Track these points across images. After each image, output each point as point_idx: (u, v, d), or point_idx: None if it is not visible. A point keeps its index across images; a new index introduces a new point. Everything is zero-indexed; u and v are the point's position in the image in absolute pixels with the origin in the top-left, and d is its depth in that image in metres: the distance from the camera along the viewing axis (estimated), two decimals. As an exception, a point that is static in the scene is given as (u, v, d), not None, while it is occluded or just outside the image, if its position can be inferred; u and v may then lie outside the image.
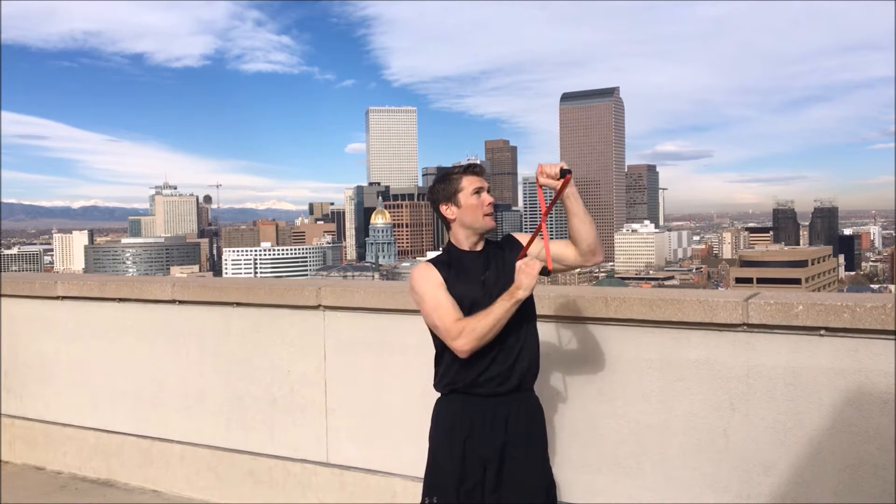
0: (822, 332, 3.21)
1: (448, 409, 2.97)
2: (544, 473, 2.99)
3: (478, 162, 3.07)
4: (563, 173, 2.76)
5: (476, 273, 2.92)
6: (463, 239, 2.99)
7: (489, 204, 2.96)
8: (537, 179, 2.84)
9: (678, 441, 3.54)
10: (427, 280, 2.91)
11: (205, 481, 4.94)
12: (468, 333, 2.77)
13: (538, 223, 2.86)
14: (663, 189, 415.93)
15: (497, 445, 2.89)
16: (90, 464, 5.45)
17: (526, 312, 2.94)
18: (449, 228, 3.03)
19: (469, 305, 2.86)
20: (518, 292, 2.75)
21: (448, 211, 2.97)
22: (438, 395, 3.03)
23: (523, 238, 3.01)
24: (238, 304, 4.84)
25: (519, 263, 2.80)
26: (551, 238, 2.94)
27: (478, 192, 2.95)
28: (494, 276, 2.92)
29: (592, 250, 2.92)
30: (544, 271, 2.80)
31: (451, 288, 2.88)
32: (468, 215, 2.95)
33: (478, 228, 2.97)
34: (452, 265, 2.94)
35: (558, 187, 2.78)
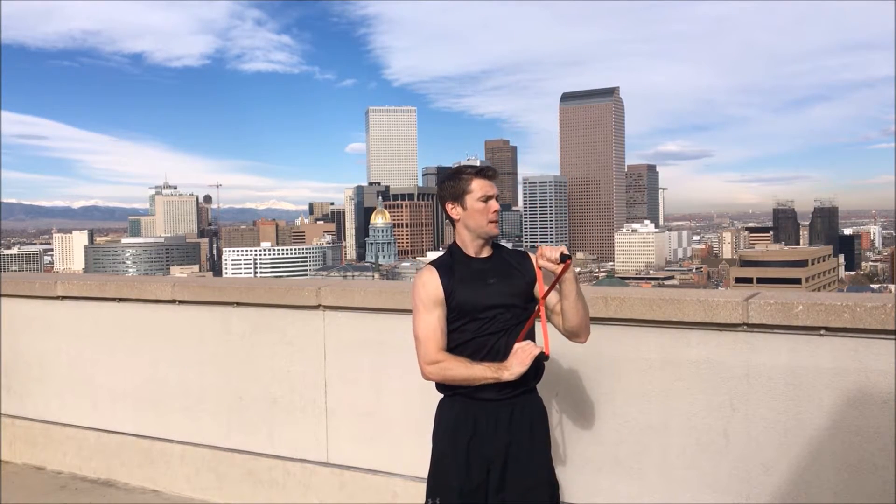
0: (822, 331, 3.21)
1: (451, 410, 2.96)
2: (548, 474, 2.99)
3: (490, 165, 3.06)
4: (563, 258, 2.79)
5: (481, 281, 2.91)
6: (468, 241, 2.97)
7: (495, 212, 2.93)
8: (536, 262, 2.88)
9: (678, 441, 3.54)
10: (427, 293, 2.90)
11: (205, 481, 4.94)
12: (440, 371, 2.85)
13: (536, 306, 2.90)
14: (663, 189, 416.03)
15: (501, 446, 2.89)
16: (90, 464, 5.45)
17: (530, 315, 2.94)
18: (454, 226, 3.02)
19: (471, 310, 2.86)
20: (504, 374, 2.80)
21: (454, 210, 2.95)
22: (439, 395, 3.03)
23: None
24: (238, 304, 4.84)
25: (516, 346, 2.82)
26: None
27: (486, 199, 2.92)
28: (499, 282, 2.91)
29: (576, 333, 2.96)
30: (542, 357, 2.83)
31: (454, 294, 2.87)
32: (472, 220, 2.92)
33: (481, 234, 2.94)
34: (456, 270, 2.92)
35: (558, 272, 2.80)
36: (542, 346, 2.84)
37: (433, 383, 3.00)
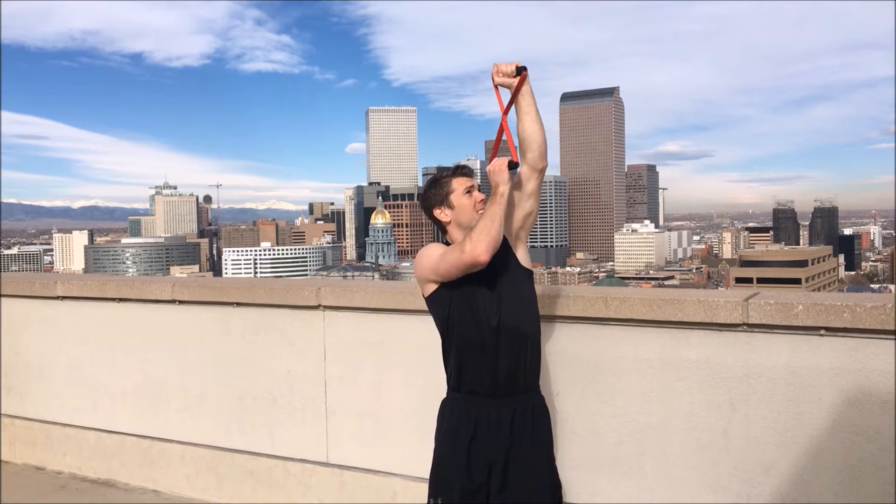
0: (822, 332, 3.21)
1: (453, 410, 2.97)
2: (550, 474, 3.00)
3: (465, 163, 3.11)
4: (519, 70, 2.79)
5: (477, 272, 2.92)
6: (459, 240, 2.99)
7: (481, 201, 2.98)
8: (493, 79, 2.89)
9: (678, 441, 3.54)
10: (433, 246, 2.98)
11: (205, 481, 4.94)
12: (474, 237, 2.75)
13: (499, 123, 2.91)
14: (663, 189, 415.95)
15: (502, 446, 2.89)
16: (90, 464, 5.45)
17: (530, 311, 2.96)
18: (445, 232, 3.05)
19: (473, 300, 2.87)
20: (499, 188, 2.78)
21: (442, 214, 3.00)
22: (439, 396, 3.03)
23: None
24: (238, 304, 4.84)
25: (487, 168, 2.84)
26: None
27: (469, 191, 2.98)
28: (496, 267, 2.91)
29: (543, 153, 2.96)
30: (511, 165, 2.83)
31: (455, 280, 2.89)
32: (463, 215, 2.97)
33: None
34: None
35: (515, 85, 2.82)
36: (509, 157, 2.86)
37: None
